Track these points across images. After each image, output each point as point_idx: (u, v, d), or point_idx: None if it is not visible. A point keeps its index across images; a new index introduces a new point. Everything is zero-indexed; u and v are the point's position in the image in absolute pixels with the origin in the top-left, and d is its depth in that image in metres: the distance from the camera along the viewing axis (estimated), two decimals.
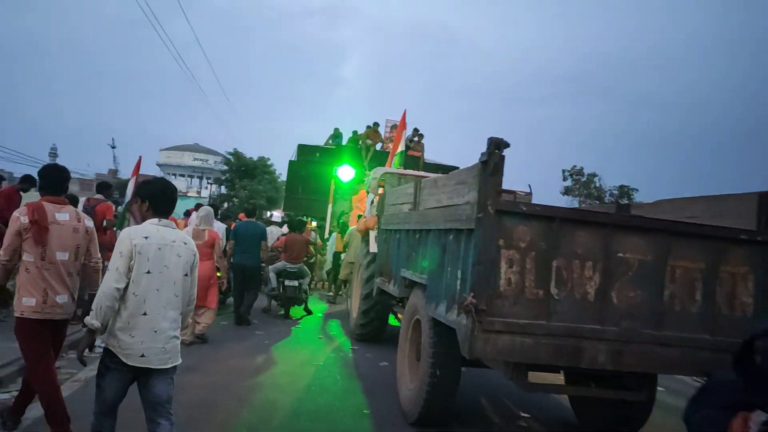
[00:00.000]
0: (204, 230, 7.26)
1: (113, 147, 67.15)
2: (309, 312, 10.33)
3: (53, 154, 66.05)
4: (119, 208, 10.97)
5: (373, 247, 7.94)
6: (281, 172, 51.03)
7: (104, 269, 3.35)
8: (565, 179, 48.74)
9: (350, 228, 12.44)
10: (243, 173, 45.74)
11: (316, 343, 8.32)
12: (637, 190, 48.28)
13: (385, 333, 8.38)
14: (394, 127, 17.05)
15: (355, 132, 16.97)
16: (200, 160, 78.79)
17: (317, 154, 16.75)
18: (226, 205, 44.34)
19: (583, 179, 51.19)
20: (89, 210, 8.60)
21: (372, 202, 8.80)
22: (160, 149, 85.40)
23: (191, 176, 76.33)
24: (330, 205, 16.43)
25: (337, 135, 17.16)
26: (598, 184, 47.95)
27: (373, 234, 8.08)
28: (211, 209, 7.82)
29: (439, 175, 5.55)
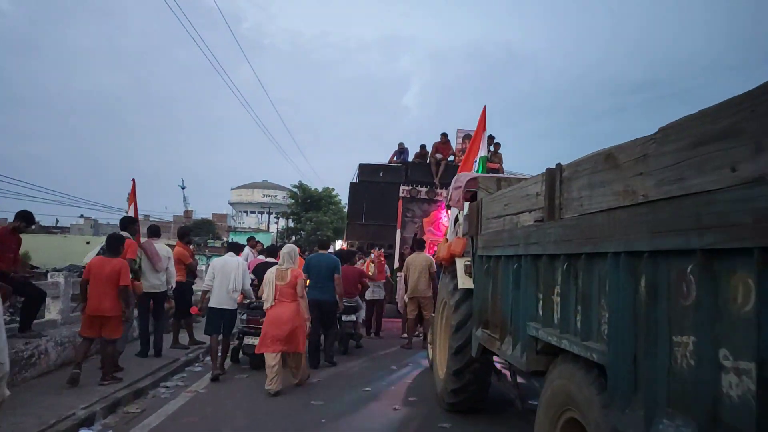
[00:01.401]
0: (287, 270, 6.74)
1: (183, 187, 68.21)
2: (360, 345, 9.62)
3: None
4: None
5: (464, 282, 5.58)
6: (346, 202, 49.80)
7: None
8: None
9: (408, 257, 10.25)
10: (308, 205, 44.72)
11: (389, 416, 5.96)
12: None
13: (486, 400, 5.94)
14: (466, 137, 14.69)
15: (422, 146, 14.71)
16: (269, 196, 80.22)
17: (381, 174, 14.60)
18: (293, 238, 43.27)
19: None
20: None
21: (456, 219, 6.48)
22: (231, 188, 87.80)
23: (261, 212, 77.24)
24: (399, 230, 14.19)
25: (402, 151, 14.93)
26: None
27: (461, 263, 5.73)
28: (294, 247, 7.32)
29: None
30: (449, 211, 6.90)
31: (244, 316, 7.83)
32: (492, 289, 4.16)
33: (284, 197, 60.32)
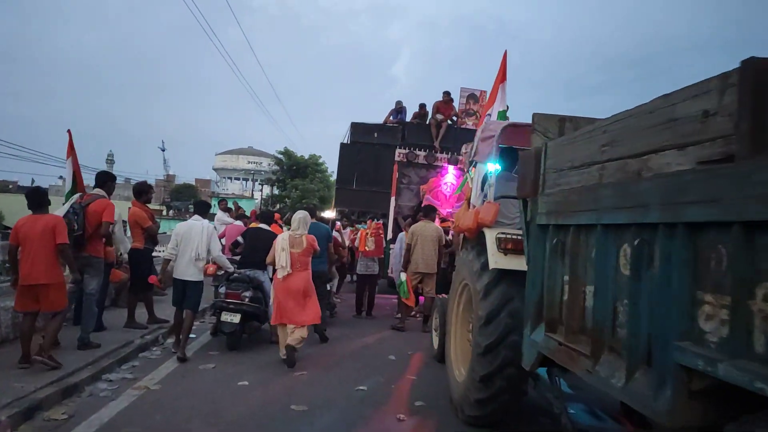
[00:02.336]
0: (301, 236, 6.36)
1: (163, 149, 65.71)
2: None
3: (110, 160, 65.40)
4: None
5: (497, 260, 4.16)
6: (333, 170, 48.21)
7: None
8: None
9: (414, 225, 8.83)
10: (294, 172, 42.98)
11: (393, 430, 4.58)
12: None
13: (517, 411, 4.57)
14: (470, 97, 13.22)
15: (422, 105, 13.12)
16: (254, 162, 78.36)
17: (375, 135, 13.03)
18: (278, 206, 41.61)
19: None
20: (78, 210, 6.03)
21: (485, 181, 5.01)
22: (216, 153, 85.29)
23: (245, 179, 75.49)
24: (393, 198, 12.72)
25: (399, 110, 13.32)
26: None
27: (492, 236, 4.29)
28: (307, 212, 6.74)
29: None
30: (474, 169, 5.43)
31: (222, 289, 6.71)
32: (569, 274, 2.72)
33: (269, 164, 58.30)
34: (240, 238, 7.60)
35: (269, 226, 7.77)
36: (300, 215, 6.53)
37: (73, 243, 5.63)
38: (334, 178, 49.00)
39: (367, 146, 12.77)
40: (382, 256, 9.69)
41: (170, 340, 6.81)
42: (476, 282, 4.42)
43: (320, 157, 44.47)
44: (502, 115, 7.90)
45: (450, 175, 12.73)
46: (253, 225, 9.91)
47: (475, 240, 4.70)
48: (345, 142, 13.20)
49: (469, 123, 13.03)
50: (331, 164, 44.74)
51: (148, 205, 7.63)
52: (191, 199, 44.67)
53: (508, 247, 4.16)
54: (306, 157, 43.99)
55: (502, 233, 4.24)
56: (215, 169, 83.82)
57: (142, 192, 7.33)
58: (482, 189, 4.97)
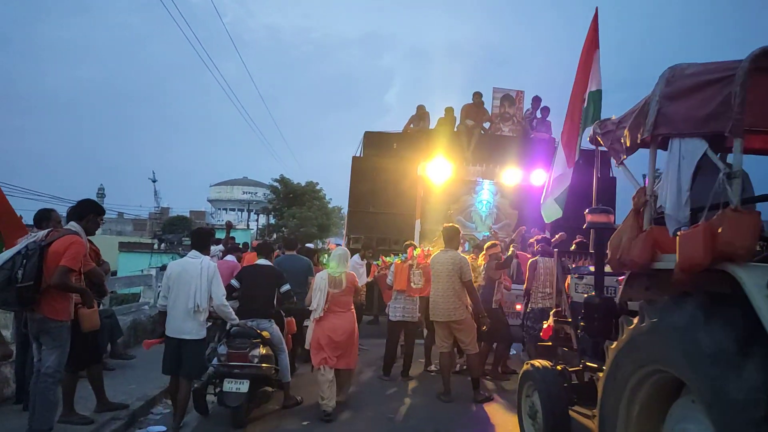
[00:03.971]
0: (341, 275, 5.62)
1: (154, 181, 63.05)
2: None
3: (101, 194, 62.92)
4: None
5: None
6: (332, 197, 46.03)
7: None
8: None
9: (436, 252, 6.41)
10: (291, 201, 40.65)
11: None
12: None
13: None
14: (505, 98, 10.94)
15: (449, 110, 10.80)
16: (249, 193, 77.04)
17: (394, 145, 10.68)
18: (275, 235, 39.15)
19: None
20: (31, 252, 4.00)
21: (711, 169, 2.60)
22: (210, 185, 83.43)
23: (241, 209, 73.68)
24: (417, 222, 10.33)
25: (422, 116, 10.97)
26: None
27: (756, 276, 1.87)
28: (346, 250, 6.29)
29: None
30: (653, 148, 3.01)
31: (222, 348, 5.03)
32: None
33: (265, 194, 56.00)
34: (235, 281, 5.61)
35: (270, 260, 5.97)
36: (339, 252, 5.94)
37: (16, 299, 3.88)
38: (332, 205, 47.02)
39: (385, 159, 10.41)
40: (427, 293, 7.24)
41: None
42: (716, 378, 2.01)
43: (317, 183, 42.27)
44: (596, 97, 5.60)
45: (486, 192, 10.41)
46: (247, 258, 7.76)
47: (693, 282, 2.29)
48: (357, 155, 10.83)
49: (505, 129, 10.75)
50: (329, 191, 42.60)
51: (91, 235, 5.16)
52: (184, 232, 41.86)
53: None
54: (303, 184, 41.75)
55: None
56: (210, 201, 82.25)
57: (82, 215, 4.84)
58: (692, 184, 2.55)
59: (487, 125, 10.76)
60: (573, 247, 6.32)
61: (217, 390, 4.98)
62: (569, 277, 4.99)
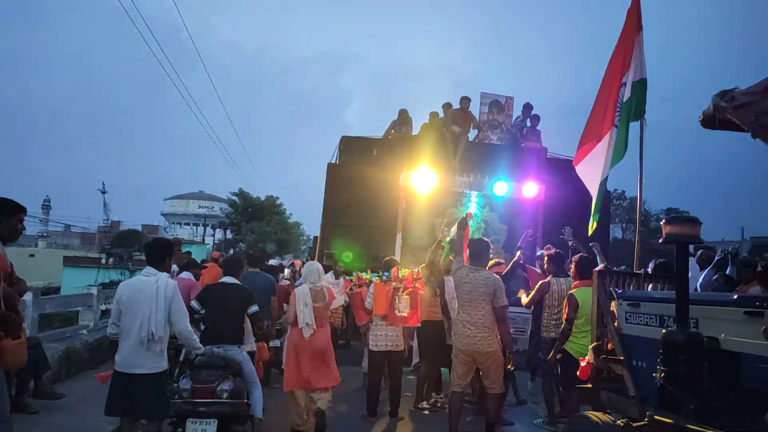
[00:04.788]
0: (322, 288, 5.44)
1: (104, 192, 59.86)
2: None
3: (46, 206, 59.42)
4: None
5: None
6: (292, 212, 44.63)
7: None
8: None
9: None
10: (250, 215, 39.11)
11: None
12: (687, 213, 41.74)
13: None
14: (494, 104, 10.11)
15: (433, 114, 9.85)
16: (206, 207, 74.97)
17: (374, 152, 9.63)
18: (231, 250, 37.36)
19: (625, 204, 44.41)
20: None
21: None
22: (164, 198, 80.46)
23: (196, 224, 71.43)
24: (398, 236, 9.31)
25: (404, 121, 9.96)
26: (643, 209, 41.31)
27: None
28: (317, 263, 5.99)
29: None
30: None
31: (186, 383, 4.23)
32: None
33: (222, 209, 53.86)
34: (195, 303, 4.75)
35: (237, 278, 5.02)
36: (314, 267, 5.67)
37: None
38: (292, 220, 45.48)
39: (363, 167, 9.35)
40: (418, 324, 6.13)
41: None
42: None
43: (278, 198, 40.88)
44: (640, 87, 4.72)
45: (474, 204, 9.48)
46: (207, 275, 6.99)
47: None
48: (333, 161, 9.72)
49: (494, 137, 9.89)
50: (290, 206, 41.16)
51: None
52: (135, 246, 39.47)
53: None
54: (262, 198, 40.27)
55: None
56: (164, 215, 79.33)
57: None
58: None
59: (473, 134, 9.87)
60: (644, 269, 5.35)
61: None
62: (613, 303, 4.04)
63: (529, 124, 10.01)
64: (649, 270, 4.73)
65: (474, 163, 9.43)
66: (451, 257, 5.81)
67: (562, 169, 9.96)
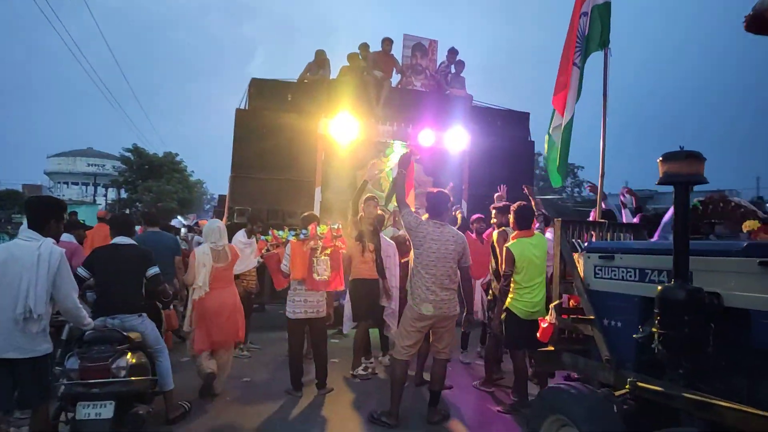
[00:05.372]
0: (223, 248, 5.17)
1: None
2: None
3: None
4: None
5: None
6: (193, 170, 42.04)
7: None
8: None
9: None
10: (147, 173, 36.16)
11: None
12: (582, 167, 44.16)
13: None
14: (417, 47, 9.39)
15: (353, 56, 8.94)
16: (95, 165, 69.01)
17: (289, 97, 8.63)
18: (128, 211, 34.53)
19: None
20: None
21: None
22: (47, 156, 73.17)
23: (86, 183, 65.75)
24: (318, 189, 8.53)
25: (321, 63, 8.97)
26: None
27: None
28: (219, 221, 5.57)
29: None
30: None
31: (73, 362, 3.60)
32: None
33: (114, 167, 49.53)
34: (82, 269, 4.08)
35: (130, 237, 4.35)
36: (216, 225, 5.29)
37: None
38: (194, 178, 42.76)
39: (277, 114, 8.35)
40: (342, 288, 5.43)
41: None
42: None
43: (177, 155, 38.05)
44: (602, 11, 4.18)
45: (397, 155, 8.84)
46: (93, 237, 6.94)
47: None
48: (242, 107, 8.62)
49: (417, 83, 9.19)
50: (191, 164, 38.54)
51: None
52: (15, 207, 35.38)
53: None
54: (160, 155, 37.33)
55: None
56: (48, 174, 72.19)
57: None
58: None
59: (396, 79, 9.13)
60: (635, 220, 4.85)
61: (70, 418, 3.61)
62: (575, 255, 3.58)
63: (453, 70, 9.42)
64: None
65: (396, 110, 8.75)
66: (389, 208, 5.14)
67: (488, 119, 9.56)
